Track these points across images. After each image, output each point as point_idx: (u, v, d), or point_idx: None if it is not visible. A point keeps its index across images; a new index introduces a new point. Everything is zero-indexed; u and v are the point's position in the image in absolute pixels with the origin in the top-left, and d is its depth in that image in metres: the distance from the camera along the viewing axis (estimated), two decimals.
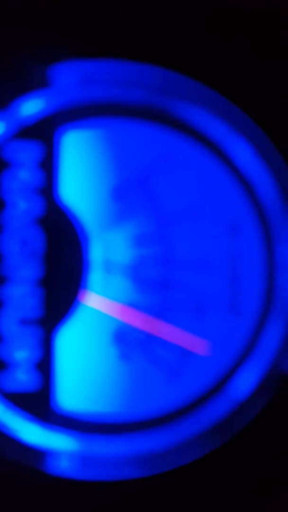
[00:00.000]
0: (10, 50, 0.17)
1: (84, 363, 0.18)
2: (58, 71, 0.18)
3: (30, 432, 0.18)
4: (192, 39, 0.17)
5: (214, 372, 0.18)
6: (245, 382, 0.18)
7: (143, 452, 0.18)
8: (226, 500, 0.17)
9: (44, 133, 0.18)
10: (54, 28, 0.17)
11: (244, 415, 0.18)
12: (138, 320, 0.18)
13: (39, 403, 0.17)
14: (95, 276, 0.18)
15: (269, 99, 0.18)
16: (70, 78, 0.18)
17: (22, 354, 0.18)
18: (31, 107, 0.18)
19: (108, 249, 0.18)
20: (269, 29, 0.18)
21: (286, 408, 0.18)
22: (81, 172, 0.18)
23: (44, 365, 0.18)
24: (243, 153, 0.18)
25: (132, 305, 0.18)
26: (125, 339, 0.18)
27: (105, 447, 0.18)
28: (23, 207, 0.18)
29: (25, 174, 0.18)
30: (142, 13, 0.17)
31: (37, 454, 0.17)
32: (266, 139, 0.18)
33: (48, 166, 0.18)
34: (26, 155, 0.18)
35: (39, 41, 0.17)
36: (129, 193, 0.18)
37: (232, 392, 0.18)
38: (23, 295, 0.18)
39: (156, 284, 0.18)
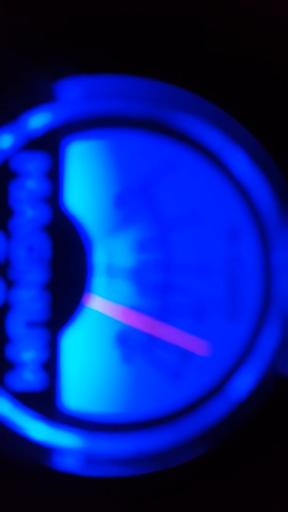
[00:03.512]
0: (18, 66, 0.18)
1: (88, 364, 0.18)
2: (64, 86, 0.18)
3: (37, 430, 0.18)
4: (189, 55, 0.18)
5: (213, 373, 0.19)
6: (243, 383, 0.19)
7: (144, 451, 0.18)
8: (224, 496, 0.18)
9: (50, 145, 0.18)
10: (60, 46, 0.18)
11: (242, 415, 0.18)
12: (140, 323, 0.19)
13: (45, 402, 0.18)
14: (99, 280, 0.18)
15: (264, 111, 0.18)
16: (75, 93, 0.18)
17: (29, 355, 0.18)
18: (38, 120, 0.18)
19: (111, 254, 0.19)
20: (264, 43, 0.18)
21: (282, 408, 0.18)
22: (85, 181, 0.19)
23: (50, 365, 0.18)
24: (240, 162, 0.19)
25: (134, 308, 0.19)
26: (128, 341, 0.18)
27: (108, 445, 0.18)
28: (30, 214, 0.18)
29: (32, 184, 0.18)
30: (142, 30, 0.18)
31: (43, 451, 0.18)
32: (262, 149, 0.19)
33: (54, 175, 0.18)
34: (33, 166, 0.18)
35: (45, 58, 0.18)
36: (131, 200, 0.19)
37: (231, 393, 0.19)
38: (30, 298, 0.18)
39: (158, 288, 0.19)
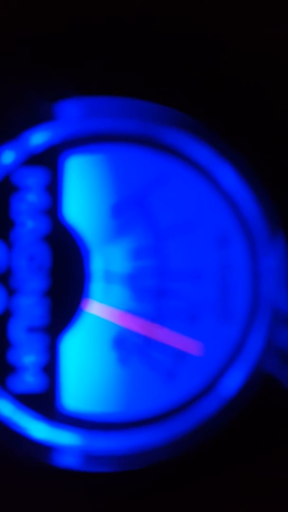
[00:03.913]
0: (21, 88, 0.19)
1: (87, 366, 0.19)
2: (63, 106, 0.19)
3: (38, 430, 0.18)
4: (180, 78, 0.19)
5: (205, 372, 0.19)
6: (233, 381, 0.19)
7: (140, 447, 0.19)
8: (217, 490, 0.18)
9: (49, 160, 0.19)
10: (59, 69, 0.19)
11: (231, 411, 0.19)
12: (136, 326, 0.19)
13: (45, 403, 0.18)
14: (96, 286, 0.19)
15: (250, 129, 0.19)
16: (73, 112, 0.19)
17: (30, 358, 0.19)
18: (38, 137, 0.19)
19: (108, 261, 0.19)
20: (252, 63, 0.19)
21: (269, 404, 0.19)
22: (83, 194, 0.19)
23: (50, 368, 0.19)
24: (227, 176, 0.20)
25: (131, 312, 0.19)
26: (124, 344, 0.19)
27: (106, 443, 0.19)
28: (30, 226, 0.19)
29: (32, 197, 0.19)
30: (136, 56, 0.19)
31: (44, 449, 0.18)
32: (247, 164, 0.20)
33: (53, 189, 0.19)
34: (33, 180, 0.19)
35: (46, 80, 0.19)
36: (127, 210, 0.20)
37: (222, 391, 0.19)
38: (31, 305, 0.19)
39: (153, 293, 0.19)
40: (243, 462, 0.18)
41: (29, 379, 0.19)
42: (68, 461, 0.18)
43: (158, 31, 0.19)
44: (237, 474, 0.18)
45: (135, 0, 0.18)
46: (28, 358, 0.19)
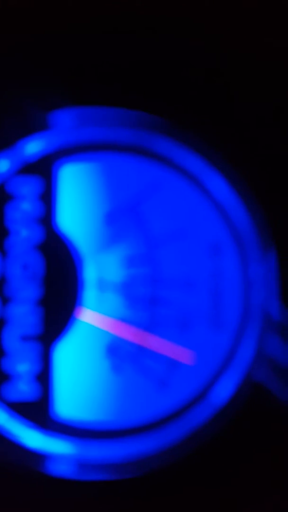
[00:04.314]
0: (15, 98, 0.19)
1: (80, 374, 0.19)
2: (57, 115, 0.19)
3: (31, 438, 0.19)
4: (172, 88, 0.19)
5: (197, 381, 0.19)
6: (224, 389, 0.19)
7: (133, 455, 0.19)
8: (211, 495, 0.18)
9: (43, 169, 0.19)
10: (54, 79, 0.19)
11: (222, 419, 0.19)
12: (129, 334, 0.20)
13: (39, 412, 0.19)
14: (90, 294, 0.19)
15: (241, 139, 0.20)
16: (67, 122, 0.20)
17: (24, 367, 0.19)
18: (32, 146, 0.20)
19: (101, 269, 0.20)
20: (244, 75, 0.20)
21: (258, 411, 0.19)
22: (76, 202, 0.20)
23: (44, 376, 0.19)
24: (219, 185, 0.20)
25: (124, 320, 0.19)
26: (117, 352, 0.19)
27: (99, 451, 0.19)
28: (24, 234, 0.19)
29: (26, 206, 0.19)
30: (130, 65, 0.19)
31: (37, 457, 0.18)
32: (238, 174, 0.20)
33: (47, 198, 0.19)
34: (27, 189, 0.19)
35: (40, 89, 0.19)
36: (120, 219, 0.20)
37: (213, 398, 0.19)
38: (25, 313, 0.19)
39: (146, 301, 0.20)
40: (234, 470, 0.19)
41: (23, 388, 0.19)
42: (62, 470, 0.19)
43: (150, 42, 0.19)
44: (228, 482, 0.19)
45: (131, 8, 0.19)
46: (21, 366, 0.19)
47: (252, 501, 0.19)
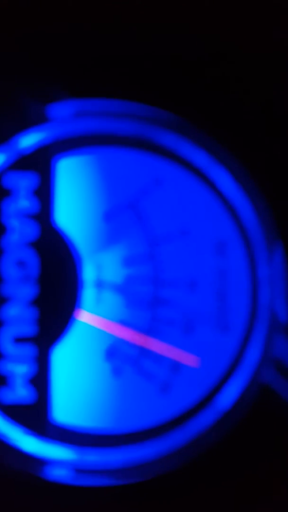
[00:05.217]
0: (12, 91, 0.18)
1: (78, 378, 0.18)
2: (55, 108, 0.19)
3: (29, 443, 0.18)
4: (174, 80, 0.18)
5: (202, 385, 0.19)
6: (230, 393, 0.19)
7: (133, 461, 0.19)
8: (214, 502, 0.18)
9: (40, 163, 0.19)
10: (51, 71, 0.18)
11: (229, 424, 0.18)
12: (129, 336, 0.19)
13: (35, 416, 0.18)
14: (88, 294, 0.19)
15: (246, 134, 0.19)
16: (65, 114, 0.19)
17: (20, 369, 0.18)
18: (29, 140, 0.19)
19: (100, 269, 0.19)
20: (246, 69, 0.19)
21: (266, 415, 0.18)
22: (74, 198, 0.19)
23: (41, 379, 0.18)
24: (225, 180, 0.19)
25: (124, 322, 0.19)
26: (117, 355, 0.19)
27: (98, 457, 0.19)
28: (21, 231, 0.19)
29: (23, 201, 0.19)
30: (129, 55, 0.18)
31: (35, 462, 0.18)
32: (244, 169, 0.19)
33: (44, 193, 0.19)
34: (23, 184, 0.19)
35: (37, 82, 0.18)
36: (120, 215, 0.19)
37: (219, 403, 0.19)
38: (21, 314, 0.19)
39: (147, 302, 0.19)
40: (240, 475, 0.18)
41: (20, 391, 0.18)
42: (59, 475, 0.18)
43: (152, 33, 0.18)
44: (234, 487, 0.18)
45: (131, 1, 0.18)
46: (18, 369, 0.18)
47: (260, 506, 0.18)
